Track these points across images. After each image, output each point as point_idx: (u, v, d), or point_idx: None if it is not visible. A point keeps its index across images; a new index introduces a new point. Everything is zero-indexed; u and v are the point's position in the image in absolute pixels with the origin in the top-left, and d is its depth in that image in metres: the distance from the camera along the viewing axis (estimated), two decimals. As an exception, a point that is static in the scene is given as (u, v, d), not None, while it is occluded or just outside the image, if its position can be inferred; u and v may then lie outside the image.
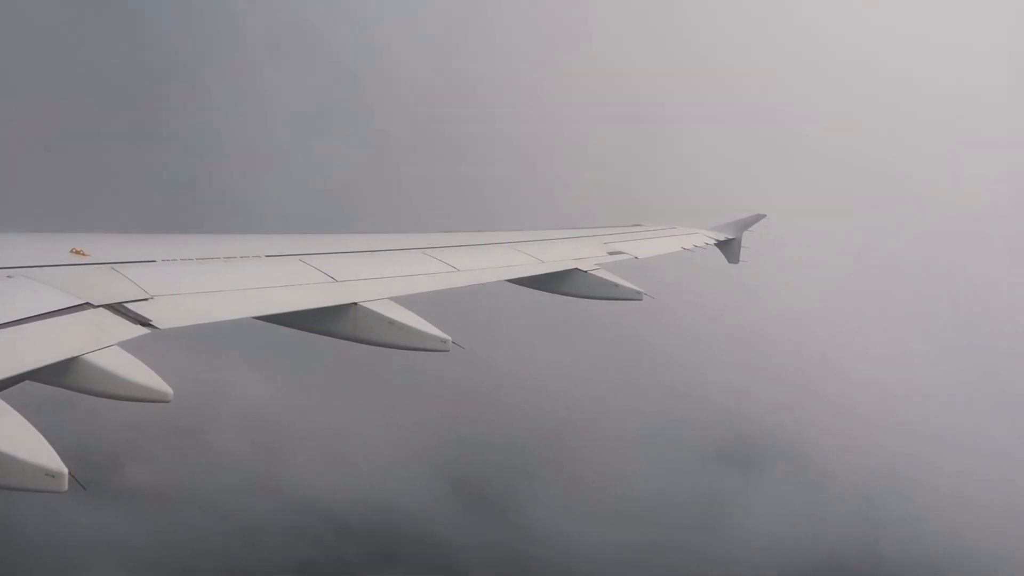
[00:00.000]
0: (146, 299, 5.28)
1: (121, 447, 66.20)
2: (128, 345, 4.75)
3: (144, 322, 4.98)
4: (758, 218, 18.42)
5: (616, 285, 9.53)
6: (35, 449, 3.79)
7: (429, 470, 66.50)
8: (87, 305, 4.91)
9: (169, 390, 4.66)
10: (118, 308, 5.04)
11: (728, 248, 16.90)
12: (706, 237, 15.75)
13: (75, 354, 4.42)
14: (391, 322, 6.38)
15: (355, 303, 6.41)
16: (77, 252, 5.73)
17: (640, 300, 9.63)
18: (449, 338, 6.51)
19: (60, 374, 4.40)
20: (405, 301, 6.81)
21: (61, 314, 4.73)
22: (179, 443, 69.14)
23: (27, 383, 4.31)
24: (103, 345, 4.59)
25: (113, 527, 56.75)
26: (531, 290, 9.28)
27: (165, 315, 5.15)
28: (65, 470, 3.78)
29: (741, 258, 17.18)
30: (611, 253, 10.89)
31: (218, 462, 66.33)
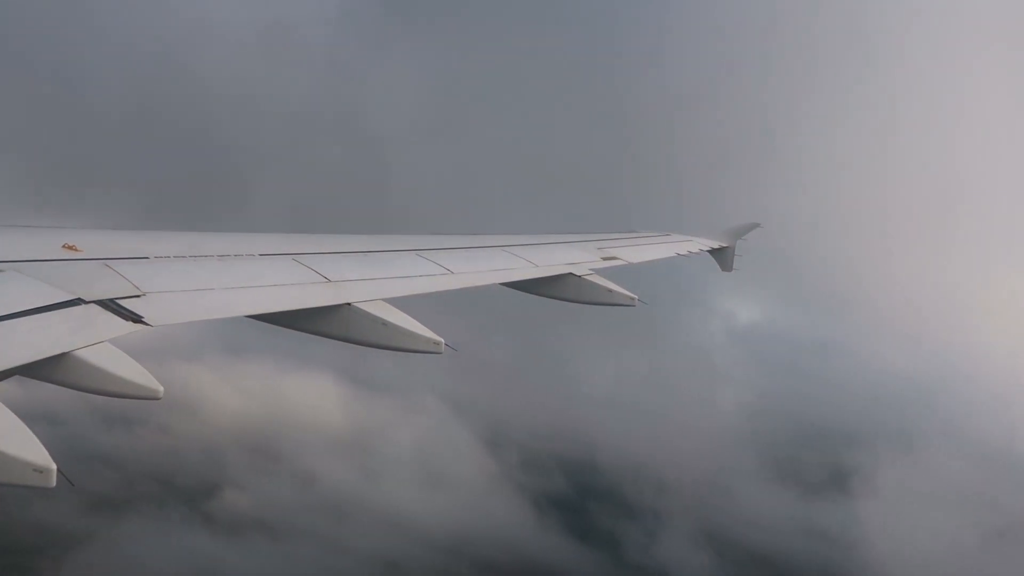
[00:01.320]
0: (138, 296, 5.26)
1: (208, 469, 64.62)
2: (119, 342, 4.72)
3: (136, 319, 4.95)
4: (752, 227, 18.47)
5: (610, 291, 9.54)
6: (24, 444, 3.77)
7: (525, 496, 65.94)
8: (79, 301, 4.89)
9: (160, 387, 4.64)
10: (110, 304, 5.01)
11: (722, 256, 16.93)
12: (700, 244, 15.78)
13: (66, 350, 4.39)
14: (384, 323, 6.37)
15: (348, 304, 6.40)
16: (69, 247, 5.70)
17: (634, 306, 9.63)
18: (442, 340, 6.50)
19: (51, 370, 4.37)
20: (399, 303, 6.79)
21: (52, 309, 4.70)
22: (264, 464, 67.69)
23: (18, 377, 4.29)
24: (94, 341, 4.56)
25: (234, 562, 53.69)
26: (525, 294, 9.28)
27: (157, 312, 5.12)
28: (53, 466, 3.76)
29: (735, 266, 17.22)
30: (605, 259, 10.89)
31: (313, 486, 64.89)
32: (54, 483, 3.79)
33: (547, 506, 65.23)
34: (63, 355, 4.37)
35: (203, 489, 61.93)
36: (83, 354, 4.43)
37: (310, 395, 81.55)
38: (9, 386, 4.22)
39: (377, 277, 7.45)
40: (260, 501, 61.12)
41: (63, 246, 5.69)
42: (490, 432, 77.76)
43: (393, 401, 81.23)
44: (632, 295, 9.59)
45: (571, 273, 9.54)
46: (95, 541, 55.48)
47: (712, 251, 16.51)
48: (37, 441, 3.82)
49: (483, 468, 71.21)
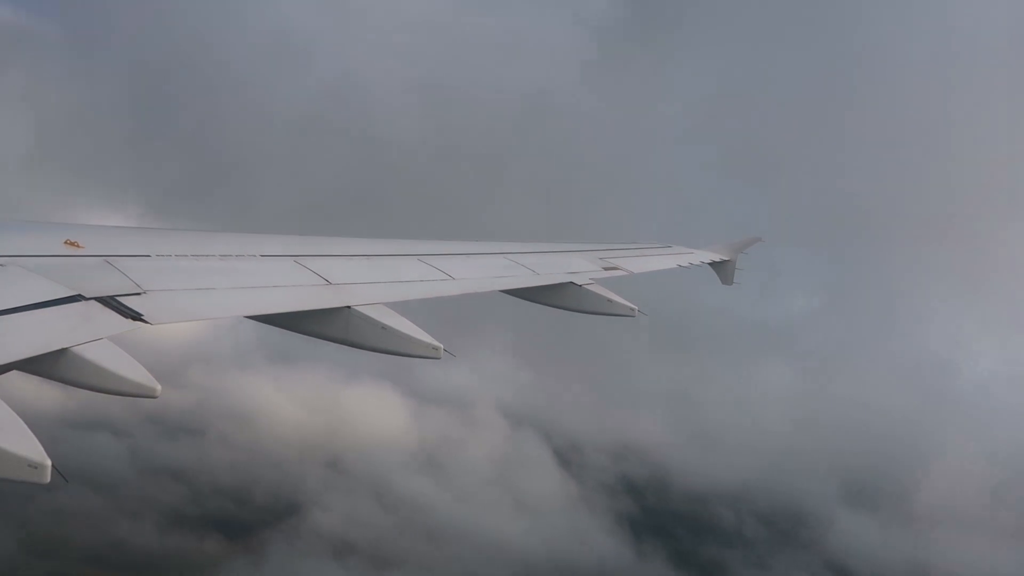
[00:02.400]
0: (139, 293, 5.25)
1: (283, 486, 63.40)
2: (119, 339, 4.71)
3: (136, 316, 4.94)
4: (754, 241, 18.48)
5: (610, 300, 9.53)
6: (19, 440, 3.76)
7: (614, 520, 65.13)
8: (79, 297, 4.88)
9: (157, 386, 4.63)
10: (110, 301, 5.00)
11: (723, 269, 16.93)
12: (701, 257, 15.77)
13: (64, 346, 4.38)
14: (383, 327, 6.36)
15: (348, 307, 6.39)
16: (71, 244, 5.70)
17: (633, 316, 9.62)
18: (441, 345, 6.49)
19: (49, 365, 4.36)
20: (399, 307, 6.79)
21: (52, 305, 4.70)
22: (341, 481, 66.58)
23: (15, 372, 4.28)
24: (93, 338, 4.55)
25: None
26: (525, 302, 9.27)
27: (157, 310, 5.12)
28: (48, 461, 3.74)
29: (735, 280, 17.21)
30: (606, 268, 10.89)
31: (398, 506, 63.92)
32: (48, 479, 3.77)
33: (638, 530, 63.97)
34: (62, 351, 4.37)
35: (283, 508, 60.12)
36: (82, 351, 4.42)
37: (368, 406, 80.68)
38: (8, 381, 4.21)
39: (378, 281, 7.45)
40: (349, 522, 59.50)
41: (65, 242, 5.69)
42: (557, 447, 77.21)
43: (451, 413, 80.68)
44: (632, 305, 9.58)
45: (572, 282, 9.53)
46: (194, 564, 54.13)
47: (713, 264, 16.51)
48: (33, 436, 3.81)
49: (562, 487, 69.74)
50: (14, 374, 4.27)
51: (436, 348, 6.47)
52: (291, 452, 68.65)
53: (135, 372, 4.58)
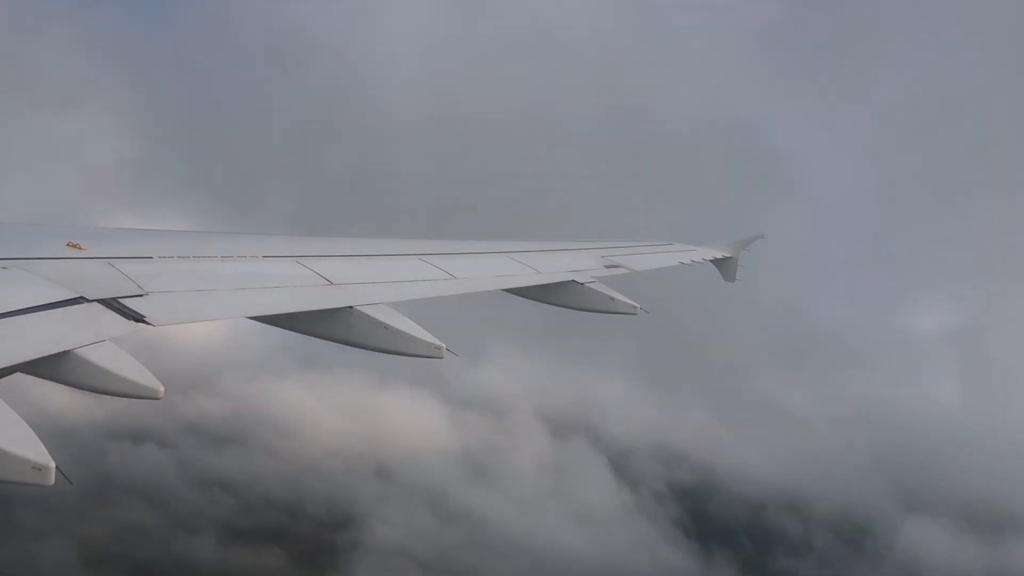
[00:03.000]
0: (141, 295, 5.26)
1: (335, 497, 62.20)
2: (121, 341, 4.72)
3: (138, 318, 4.95)
4: (756, 238, 18.47)
5: (612, 299, 9.52)
6: (23, 442, 3.76)
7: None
8: (81, 299, 4.89)
9: (160, 387, 4.63)
10: (112, 303, 5.01)
11: (725, 266, 16.91)
12: (704, 254, 15.76)
13: (67, 348, 4.39)
14: (386, 327, 6.36)
15: (351, 307, 6.39)
16: (73, 246, 5.71)
17: (635, 314, 9.61)
18: (444, 345, 6.49)
19: (52, 368, 4.37)
20: (401, 307, 6.79)
21: (55, 307, 4.71)
22: (393, 491, 65.64)
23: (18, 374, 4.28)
24: (96, 340, 4.56)
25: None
26: (527, 300, 9.27)
27: (159, 312, 5.12)
28: (52, 464, 3.75)
29: (737, 277, 17.19)
30: (608, 267, 10.88)
31: (456, 517, 62.86)
32: (52, 481, 3.77)
33: (703, 540, 62.91)
34: (64, 353, 4.37)
35: (338, 520, 59.35)
36: (84, 352, 4.43)
37: (405, 412, 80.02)
38: (11, 383, 4.22)
39: (380, 281, 7.45)
40: (409, 534, 58.71)
41: (67, 244, 5.70)
42: (604, 452, 76.32)
43: (488, 418, 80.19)
44: (634, 304, 9.58)
45: (574, 280, 9.53)
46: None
47: (715, 261, 16.50)
48: (36, 438, 3.81)
49: (617, 494, 69.10)
50: (17, 376, 4.28)
51: (439, 348, 6.47)
52: (336, 461, 68.04)
53: (138, 373, 4.58)
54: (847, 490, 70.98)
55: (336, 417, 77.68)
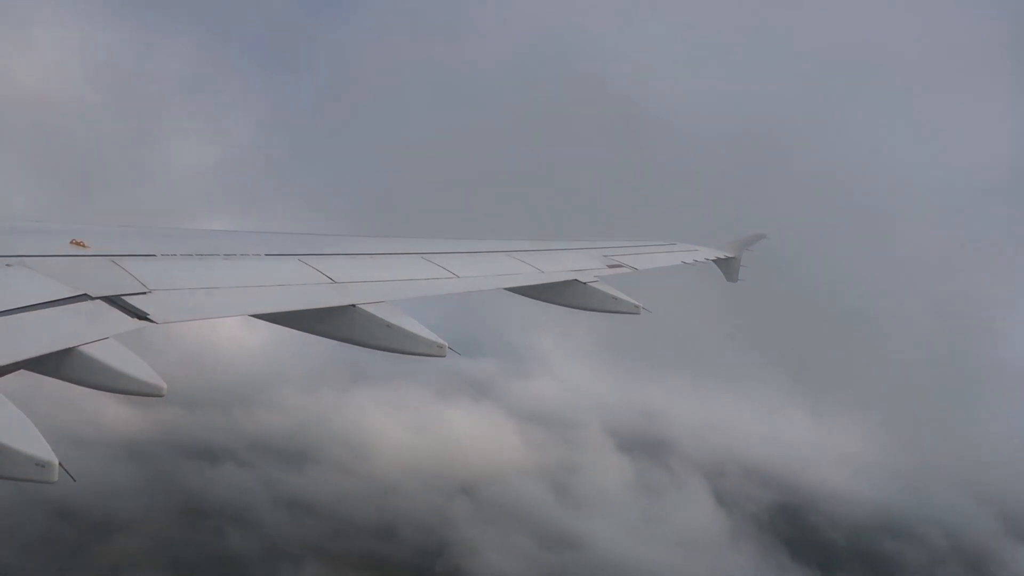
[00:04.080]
0: (144, 293, 5.27)
1: (426, 520, 60.15)
2: (124, 338, 4.73)
3: (141, 316, 4.96)
4: (759, 238, 18.47)
5: (615, 298, 9.53)
6: (27, 438, 3.77)
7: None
8: (85, 296, 4.90)
9: (164, 384, 4.64)
10: (116, 301, 5.02)
11: (727, 266, 16.92)
12: (706, 254, 15.77)
13: (71, 345, 4.40)
14: (388, 325, 6.37)
15: (353, 305, 6.40)
16: (77, 243, 5.72)
17: (638, 314, 9.62)
18: (446, 343, 6.50)
19: (55, 365, 4.38)
20: (403, 305, 6.80)
21: (58, 305, 4.72)
22: (486, 513, 63.91)
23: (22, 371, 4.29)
24: (99, 337, 4.57)
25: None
26: (529, 299, 9.28)
27: (163, 309, 5.13)
28: (55, 460, 3.76)
29: (740, 277, 17.20)
30: (611, 266, 10.89)
31: (558, 542, 59.58)
32: (56, 478, 3.79)
33: (823, 566, 59.84)
34: (68, 350, 4.38)
35: (434, 545, 57.55)
36: (88, 350, 4.44)
37: (472, 427, 78.84)
38: (14, 380, 4.23)
39: (382, 279, 7.46)
40: (511, 561, 56.71)
41: (71, 242, 5.71)
42: (681, 469, 74.40)
43: (555, 433, 78.71)
44: (637, 303, 9.58)
45: (576, 280, 9.53)
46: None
47: (717, 261, 16.50)
48: (40, 435, 3.82)
49: (713, 516, 66.61)
50: (22, 373, 4.29)
51: (441, 346, 6.48)
52: (414, 480, 66.90)
53: (142, 371, 4.59)
54: (945, 515, 67.84)
55: (403, 432, 76.80)
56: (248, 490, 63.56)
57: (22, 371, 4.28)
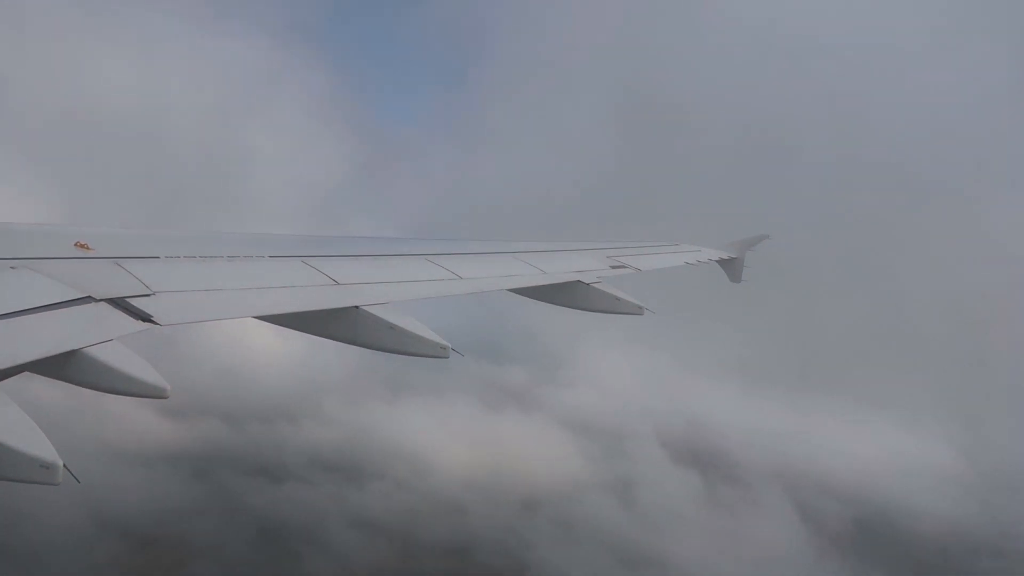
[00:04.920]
0: (148, 295, 5.28)
1: (501, 540, 57.85)
2: (128, 340, 4.74)
3: (145, 317, 4.97)
4: (761, 238, 18.45)
5: (618, 299, 9.52)
6: (31, 440, 3.78)
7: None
8: (89, 299, 4.91)
9: (167, 386, 4.65)
10: (120, 303, 5.03)
11: (731, 267, 16.91)
12: (709, 255, 15.75)
13: (75, 347, 4.41)
14: (391, 327, 6.37)
15: (356, 307, 6.41)
16: (81, 246, 5.73)
17: (641, 314, 9.61)
18: (449, 345, 6.50)
19: (59, 367, 4.39)
20: (406, 306, 6.80)
21: (63, 307, 4.73)
22: (559, 532, 61.75)
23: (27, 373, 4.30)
24: (103, 339, 4.58)
25: None
26: (532, 300, 9.27)
27: (166, 311, 5.14)
28: (60, 462, 3.77)
29: (743, 277, 17.18)
30: (614, 267, 10.88)
31: (642, 564, 57.49)
32: (60, 480, 3.80)
33: None
34: (72, 352, 4.39)
35: (513, 567, 55.97)
36: (92, 352, 4.45)
37: (525, 439, 77.12)
38: (19, 383, 4.24)
39: (385, 281, 7.46)
40: None
41: (75, 244, 5.73)
42: (751, 483, 71.07)
43: (609, 445, 76.44)
44: (640, 304, 9.57)
45: (579, 281, 9.53)
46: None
47: (721, 262, 16.49)
48: (44, 437, 3.83)
49: (794, 533, 63.64)
50: (26, 375, 4.30)
51: (444, 347, 6.48)
52: (477, 496, 65.52)
53: (145, 373, 4.60)
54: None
55: (455, 444, 75.71)
56: (315, 509, 62.54)
57: (28, 374, 4.30)
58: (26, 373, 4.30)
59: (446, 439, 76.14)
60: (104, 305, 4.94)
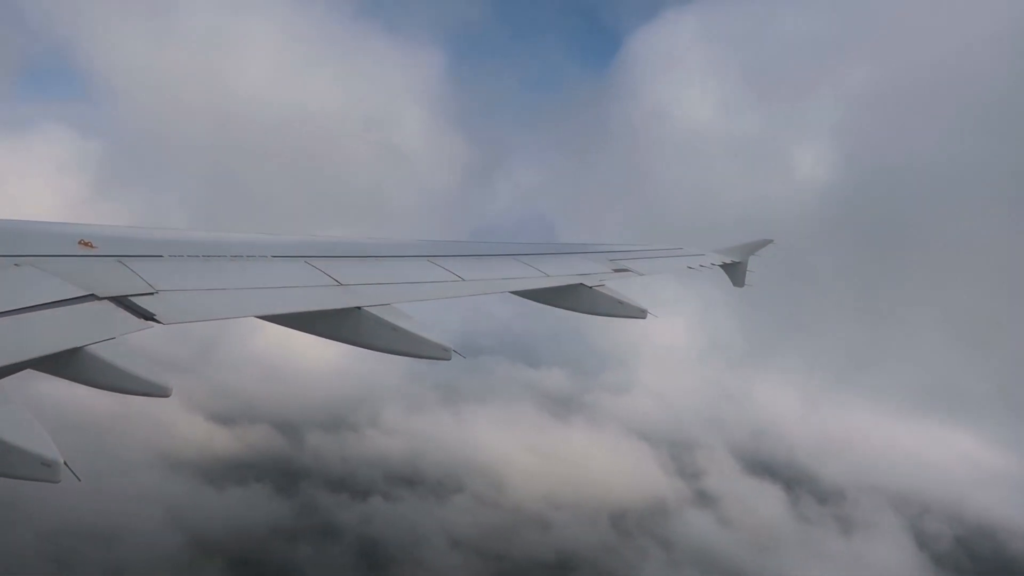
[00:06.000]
0: (151, 293, 5.29)
1: (610, 564, 56.26)
2: (131, 339, 4.75)
3: (148, 316, 4.98)
4: (765, 243, 18.41)
5: (620, 302, 9.51)
6: (33, 437, 3.79)
7: None
8: (92, 297, 4.92)
9: (170, 385, 4.66)
10: (123, 301, 5.04)
11: (734, 271, 16.87)
12: (712, 259, 15.73)
13: (78, 345, 4.42)
14: (394, 328, 6.37)
15: (359, 308, 6.41)
16: (85, 244, 5.75)
17: (644, 318, 9.60)
18: (451, 347, 6.51)
19: (62, 364, 4.40)
20: (409, 308, 6.81)
21: (66, 305, 4.74)
22: (652, 550, 59.54)
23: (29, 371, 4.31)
24: (106, 337, 4.59)
25: None
26: (535, 303, 9.27)
27: (169, 310, 5.15)
28: (60, 459, 3.78)
29: (747, 282, 17.15)
30: (617, 270, 10.87)
31: None
32: (60, 478, 3.80)
33: None
34: (75, 350, 4.40)
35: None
36: (95, 350, 4.46)
37: (593, 448, 74.64)
38: (21, 381, 4.25)
39: (388, 282, 7.47)
40: None
41: (79, 243, 5.74)
42: (835, 496, 68.41)
43: (678, 454, 74.24)
44: (642, 307, 9.57)
45: (582, 284, 9.52)
46: None
47: (724, 266, 16.46)
48: (46, 435, 3.84)
49: (907, 557, 60.87)
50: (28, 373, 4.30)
51: (446, 349, 6.49)
52: (561, 510, 63.83)
53: (148, 372, 4.61)
54: None
55: (525, 454, 74.25)
56: (405, 526, 61.63)
57: (32, 371, 4.30)
58: (29, 370, 4.31)
59: (513, 448, 74.80)
60: (107, 303, 4.95)
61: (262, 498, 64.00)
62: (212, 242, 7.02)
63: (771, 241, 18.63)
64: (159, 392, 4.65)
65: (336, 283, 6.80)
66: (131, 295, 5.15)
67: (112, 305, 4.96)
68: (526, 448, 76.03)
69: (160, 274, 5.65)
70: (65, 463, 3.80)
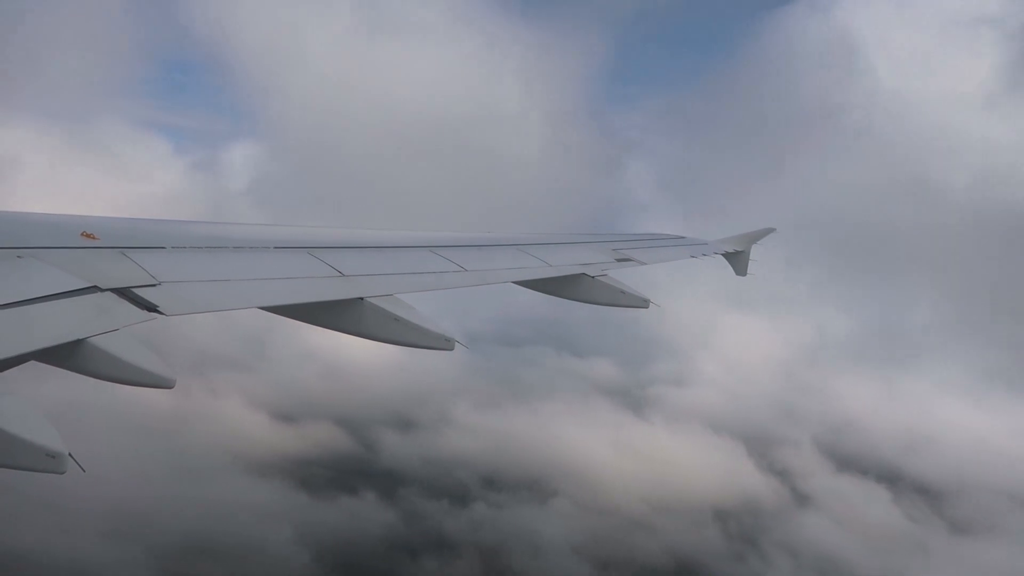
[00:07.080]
0: (154, 285, 5.28)
1: (718, 567, 55.31)
2: (134, 330, 4.75)
3: (151, 307, 4.98)
4: (767, 232, 18.39)
5: (623, 292, 9.50)
6: (37, 429, 3.80)
7: None
8: (95, 288, 4.92)
9: (173, 376, 4.66)
10: (125, 293, 5.04)
11: (736, 260, 16.85)
12: (714, 248, 15.71)
13: (80, 337, 4.42)
14: (396, 319, 6.37)
15: (361, 298, 6.41)
16: (87, 235, 5.74)
17: (646, 308, 9.59)
18: (454, 338, 6.50)
19: (65, 356, 4.40)
20: (411, 298, 6.80)
21: (68, 296, 4.74)
22: (783, 560, 57.50)
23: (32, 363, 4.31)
24: (109, 329, 4.59)
25: None
26: (537, 293, 9.27)
27: (172, 302, 5.15)
28: (65, 451, 3.78)
29: (749, 271, 17.13)
30: (619, 260, 10.86)
31: None
32: (66, 469, 3.81)
33: None
34: (78, 342, 4.40)
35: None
36: (98, 341, 4.46)
37: (684, 447, 71.82)
38: (25, 372, 4.25)
39: (391, 272, 7.46)
40: None
41: (81, 234, 5.73)
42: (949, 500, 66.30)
43: (761, 453, 71.51)
44: (645, 297, 9.56)
45: (584, 274, 9.51)
46: None
47: (726, 255, 16.44)
48: (50, 426, 3.85)
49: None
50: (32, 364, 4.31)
51: (449, 340, 6.49)
52: (660, 512, 62.26)
53: (151, 363, 4.61)
54: None
55: (611, 452, 72.51)
56: (519, 534, 59.94)
57: (34, 362, 4.31)
58: (32, 362, 4.31)
59: (596, 445, 73.10)
60: (110, 295, 4.94)
61: (366, 506, 62.86)
62: (215, 233, 7.02)
63: (773, 230, 18.60)
64: (163, 384, 4.65)
65: (338, 274, 6.79)
66: (134, 287, 5.15)
67: (115, 297, 4.95)
68: (609, 444, 74.74)
69: (163, 265, 5.65)
70: (70, 454, 3.80)
